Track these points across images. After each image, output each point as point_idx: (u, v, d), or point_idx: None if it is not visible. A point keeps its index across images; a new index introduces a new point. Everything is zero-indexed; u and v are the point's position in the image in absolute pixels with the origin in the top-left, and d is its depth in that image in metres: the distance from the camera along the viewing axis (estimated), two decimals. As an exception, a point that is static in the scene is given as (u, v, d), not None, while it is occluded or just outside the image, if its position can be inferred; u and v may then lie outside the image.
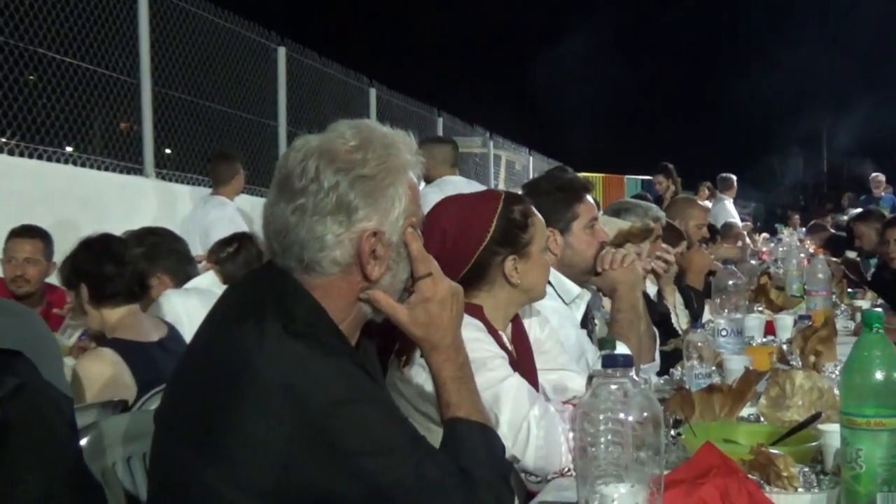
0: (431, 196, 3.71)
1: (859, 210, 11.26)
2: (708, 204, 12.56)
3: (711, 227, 7.55)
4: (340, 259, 1.95)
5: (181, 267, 4.81)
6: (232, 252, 4.90)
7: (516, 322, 2.80)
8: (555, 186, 3.53)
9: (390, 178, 1.98)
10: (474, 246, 2.63)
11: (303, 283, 1.96)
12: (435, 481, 1.87)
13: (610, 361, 1.66)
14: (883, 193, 15.94)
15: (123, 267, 3.84)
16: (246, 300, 1.99)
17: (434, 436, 2.03)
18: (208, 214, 7.38)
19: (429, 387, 2.43)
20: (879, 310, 1.98)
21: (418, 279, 2.02)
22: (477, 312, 2.60)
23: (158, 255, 4.69)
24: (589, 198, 3.58)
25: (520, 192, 3.23)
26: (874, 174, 16.72)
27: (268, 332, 1.85)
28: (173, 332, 3.94)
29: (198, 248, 6.63)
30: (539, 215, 2.76)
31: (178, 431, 1.91)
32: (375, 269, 1.98)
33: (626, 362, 1.65)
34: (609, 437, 1.74)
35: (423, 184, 7.10)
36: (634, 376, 1.69)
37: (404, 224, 2.00)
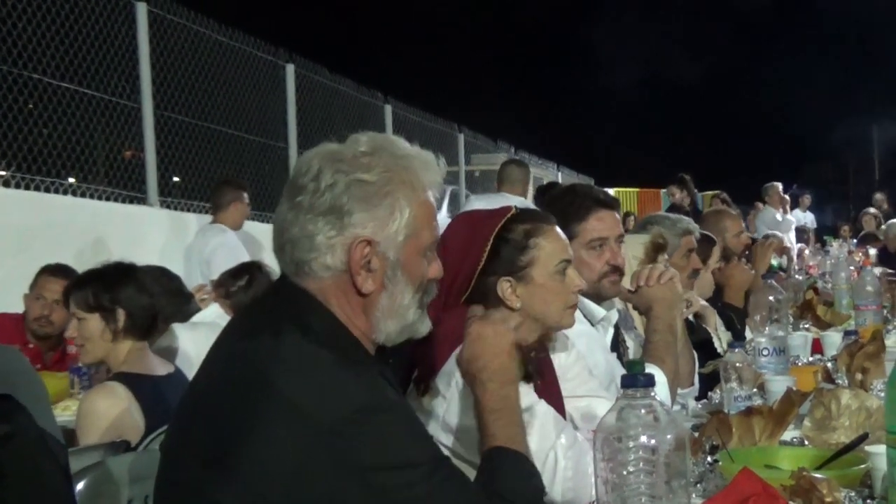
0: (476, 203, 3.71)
1: None
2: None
3: (754, 241, 7.51)
4: (331, 264, 1.97)
5: (179, 309, 4.85)
6: (243, 285, 4.95)
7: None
8: (563, 201, 3.48)
9: (391, 188, 1.99)
10: (472, 266, 2.59)
11: (304, 288, 1.99)
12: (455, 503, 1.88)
13: (629, 381, 1.65)
14: None
15: (154, 300, 3.92)
16: (259, 317, 2.01)
17: (456, 469, 2.03)
18: (208, 243, 7.44)
19: (450, 418, 2.44)
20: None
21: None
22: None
23: (179, 292, 4.79)
24: (600, 215, 3.46)
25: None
26: None
27: (285, 342, 1.87)
28: (179, 371, 3.99)
29: (199, 278, 6.69)
30: (553, 237, 2.69)
31: (188, 456, 1.92)
32: (368, 282, 1.99)
33: (647, 382, 1.65)
34: (641, 465, 1.74)
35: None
36: (656, 397, 1.69)
37: (406, 241, 2.01)
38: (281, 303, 2.00)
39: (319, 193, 1.95)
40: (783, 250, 10.86)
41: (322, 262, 1.97)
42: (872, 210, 15.35)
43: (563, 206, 3.42)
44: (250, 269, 5.05)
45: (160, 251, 7.74)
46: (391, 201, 1.98)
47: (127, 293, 3.84)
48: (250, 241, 7.74)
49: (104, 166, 8.59)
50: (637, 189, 23.64)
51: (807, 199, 19.54)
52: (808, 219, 18.19)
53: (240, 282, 4.97)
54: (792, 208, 16.32)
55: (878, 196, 15.46)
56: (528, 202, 7.64)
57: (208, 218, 8.58)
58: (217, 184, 8.05)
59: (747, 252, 6.05)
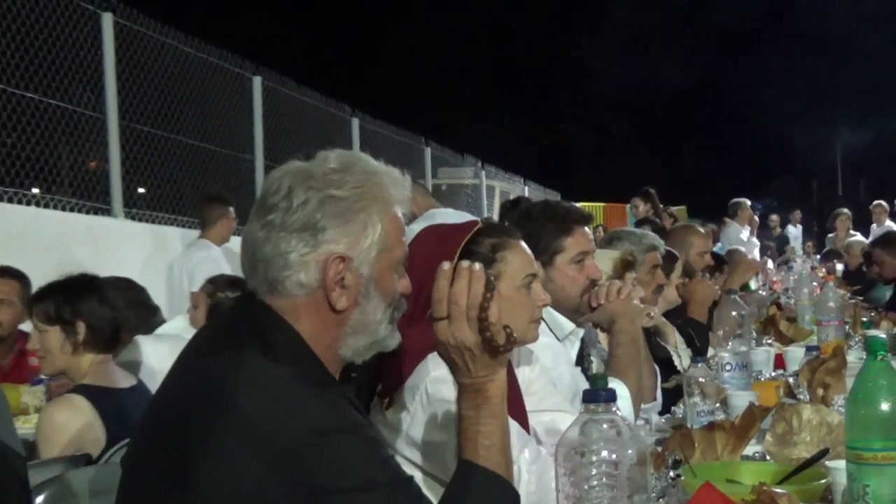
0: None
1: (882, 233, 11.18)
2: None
3: (718, 256, 7.54)
4: (305, 281, 1.97)
5: (144, 321, 4.84)
6: (231, 297, 4.93)
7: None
8: (546, 215, 3.51)
9: (364, 203, 1.99)
10: None
11: (270, 305, 1.98)
12: None
13: (591, 396, 1.66)
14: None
15: (117, 312, 3.89)
16: (222, 333, 2.01)
17: (420, 485, 2.03)
18: (191, 257, 7.52)
19: (413, 431, 2.44)
20: (883, 335, 1.99)
21: (436, 319, 2.00)
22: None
23: (144, 304, 4.77)
24: (583, 231, 3.54)
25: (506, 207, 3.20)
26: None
27: (246, 360, 1.86)
28: (142, 384, 3.96)
29: (181, 292, 6.69)
30: (519, 251, 2.70)
31: (148, 471, 1.91)
32: (342, 298, 1.99)
33: (608, 397, 1.65)
34: (603, 479, 1.74)
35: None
36: (618, 412, 1.70)
37: (378, 257, 2.01)
38: (245, 320, 1.99)
39: (292, 211, 1.95)
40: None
41: (296, 279, 1.96)
42: (845, 210, 15.47)
43: (546, 221, 3.46)
44: (244, 289, 5.04)
45: (124, 263, 7.69)
46: (364, 217, 1.99)
47: (88, 306, 3.81)
48: (233, 256, 7.74)
49: (68, 177, 8.53)
50: (603, 203, 23.72)
51: (797, 213, 19.65)
52: (798, 232, 18.22)
53: (230, 292, 4.96)
54: (760, 227, 16.37)
55: (844, 211, 15.53)
56: (460, 212, 7.65)
57: (174, 230, 8.59)
58: (204, 199, 8.07)
59: (708, 270, 6.07)
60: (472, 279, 1.93)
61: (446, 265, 1.99)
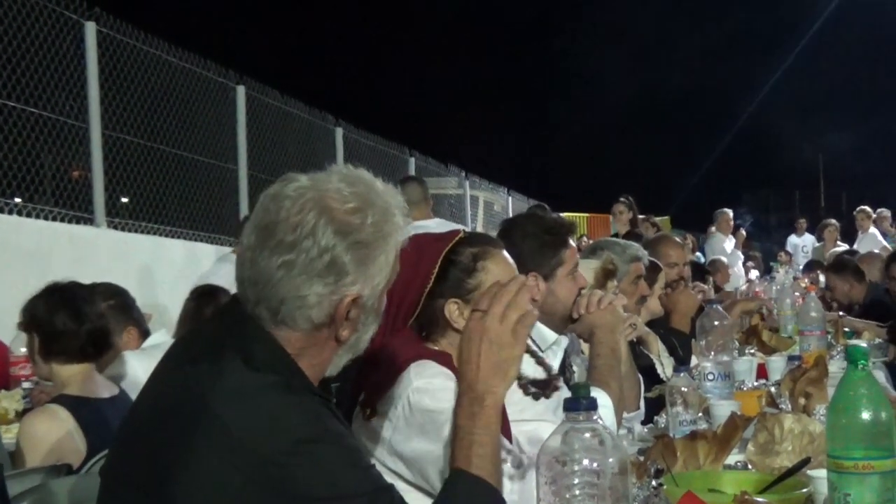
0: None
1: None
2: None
3: (698, 266, 7.56)
4: (315, 318, 1.95)
5: (142, 324, 4.85)
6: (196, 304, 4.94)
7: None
8: (542, 229, 3.52)
9: (384, 246, 1.99)
10: (420, 289, 2.59)
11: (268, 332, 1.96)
12: None
13: (572, 405, 1.66)
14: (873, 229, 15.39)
15: (80, 324, 3.81)
16: (202, 342, 1.99)
17: (403, 495, 2.02)
18: (218, 271, 7.49)
19: (395, 441, 2.43)
20: (864, 344, 2.00)
21: (475, 310, 2.13)
22: (445, 360, 2.57)
23: (130, 307, 4.73)
24: (573, 242, 3.59)
25: (497, 231, 3.22)
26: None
27: (226, 369, 1.85)
28: (124, 393, 3.94)
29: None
30: (500, 260, 2.69)
31: (126, 482, 1.90)
32: (346, 330, 1.99)
33: (589, 406, 1.65)
34: (586, 488, 1.74)
35: None
36: (600, 421, 1.69)
37: (384, 287, 2.02)
38: (225, 329, 1.98)
39: (317, 253, 1.91)
40: (727, 276, 11.00)
41: (307, 316, 1.94)
42: (833, 221, 15.43)
43: (544, 234, 3.48)
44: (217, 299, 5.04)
45: (107, 272, 7.65)
46: (383, 259, 1.99)
47: (40, 314, 3.81)
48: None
49: (51, 186, 8.50)
50: (587, 214, 23.78)
51: (802, 222, 19.42)
52: (807, 241, 17.97)
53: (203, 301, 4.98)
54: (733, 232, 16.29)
55: (832, 222, 15.47)
56: (445, 221, 7.66)
57: (156, 240, 8.59)
58: (243, 220, 8.11)
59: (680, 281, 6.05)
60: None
61: (522, 278, 2.17)
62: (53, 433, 3.61)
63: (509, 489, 2.39)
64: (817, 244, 15.85)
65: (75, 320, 3.81)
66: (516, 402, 2.81)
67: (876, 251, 11.33)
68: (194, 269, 8.02)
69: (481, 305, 2.12)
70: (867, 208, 15.26)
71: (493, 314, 2.09)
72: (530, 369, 3.06)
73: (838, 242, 14.74)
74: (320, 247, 1.92)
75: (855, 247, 13.45)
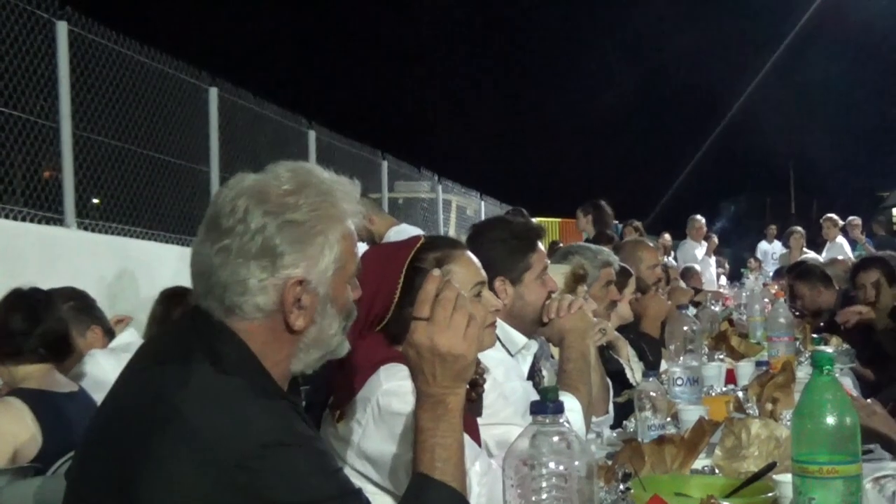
0: None
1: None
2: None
3: (668, 270, 7.59)
4: (263, 305, 1.95)
5: (106, 323, 4.83)
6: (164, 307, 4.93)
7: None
8: (510, 233, 3.53)
9: (321, 226, 1.98)
10: (387, 299, 2.58)
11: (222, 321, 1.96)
12: None
13: (539, 408, 1.66)
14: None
15: (34, 325, 3.83)
16: (169, 344, 1.99)
17: (371, 498, 2.02)
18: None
19: (364, 444, 2.43)
20: (830, 350, 2.01)
21: (415, 318, 2.02)
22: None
23: (91, 306, 4.71)
24: (541, 246, 3.61)
25: (467, 235, 3.22)
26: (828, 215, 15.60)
27: (194, 371, 1.85)
28: (83, 391, 3.95)
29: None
30: (464, 262, 2.71)
31: (91, 485, 1.89)
32: (300, 319, 1.98)
33: (555, 409, 1.66)
34: (553, 492, 1.75)
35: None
36: (567, 424, 1.70)
37: (334, 275, 2.01)
38: (192, 331, 1.97)
39: (249, 236, 1.93)
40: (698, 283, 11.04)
41: (254, 303, 1.95)
42: (799, 229, 15.48)
43: (511, 239, 3.49)
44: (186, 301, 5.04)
45: (77, 273, 7.60)
46: (321, 239, 1.98)
47: (15, 319, 3.81)
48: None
49: (20, 186, 8.43)
50: (559, 219, 23.82)
51: (772, 228, 19.43)
52: (776, 248, 18.01)
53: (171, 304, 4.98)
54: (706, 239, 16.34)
55: (798, 230, 15.52)
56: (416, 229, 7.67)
57: (126, 241, 8.52)
58: None
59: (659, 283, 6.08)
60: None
61: (437, 272, 2.04)
62: (6, 423, 3.63)
63: (477, 493, 2.40)
64: (784, 251, 15.93)
65: (30, 321, 3.83)
66: (486, 405, 2.82)
67: (840, 258, 11.41)
68: (165, 271, 7.95)
69: (421, 313, 2.02)
70: (834, 216, 15.24)
71: (439, 322, 2.00)
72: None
73: (804, 250, 14.80)
74: (253, 229, 1.93)
75: (822, 256, 13.47)
